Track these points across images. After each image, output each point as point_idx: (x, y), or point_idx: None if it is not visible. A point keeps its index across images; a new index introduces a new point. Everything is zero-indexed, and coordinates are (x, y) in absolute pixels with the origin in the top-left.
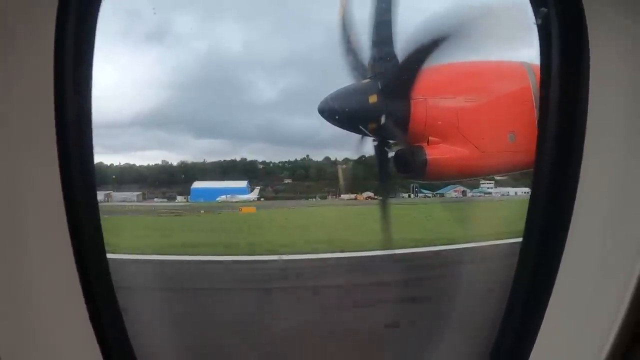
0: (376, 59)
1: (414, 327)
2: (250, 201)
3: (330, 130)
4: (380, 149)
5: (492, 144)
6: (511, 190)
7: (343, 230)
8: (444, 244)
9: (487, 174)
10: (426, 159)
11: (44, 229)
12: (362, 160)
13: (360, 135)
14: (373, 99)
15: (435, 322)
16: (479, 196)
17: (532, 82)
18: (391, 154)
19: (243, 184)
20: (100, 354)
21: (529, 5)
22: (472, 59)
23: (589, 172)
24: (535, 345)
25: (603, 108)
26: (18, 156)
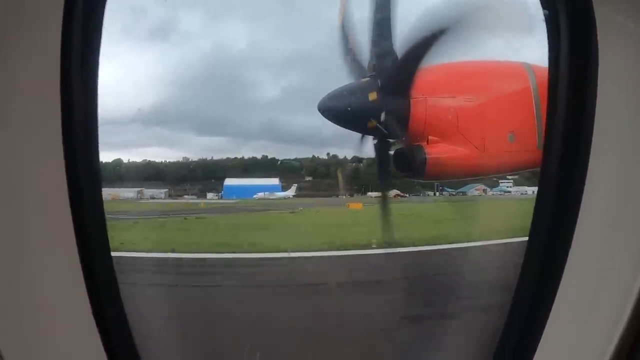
0: (376, 58)
1: None
2: (289, 198)
3: (338, 128)
4: (381, 148)
5: (492, 144)
6: (529, 189)
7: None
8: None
9: (487, 174)
10: (425, 158)
11: (49, 227)
12: None
13: (361, 135)
14: (373, 96)
15: None
16: (500, 194)
17: (532, 83)
18: (391, 153)
19: (275, 181)
20: (104, 352)
21: (539, 5)
22: (471, 51)
23: (596, 172)
24: (539, 345)
25: (611, 107)
26: (24, 154)
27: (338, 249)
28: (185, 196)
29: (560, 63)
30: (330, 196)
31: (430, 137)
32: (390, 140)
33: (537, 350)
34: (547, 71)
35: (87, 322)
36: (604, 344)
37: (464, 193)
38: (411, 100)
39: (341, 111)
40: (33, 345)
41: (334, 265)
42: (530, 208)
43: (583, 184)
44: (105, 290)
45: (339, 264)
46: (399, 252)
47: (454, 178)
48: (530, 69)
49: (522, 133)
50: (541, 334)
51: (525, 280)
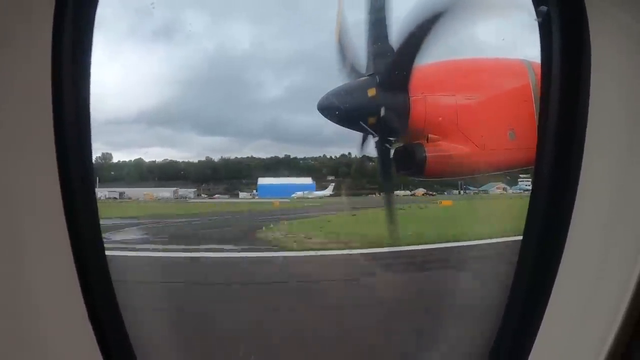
0: (373, 57)
1: None
2: (327, 197)
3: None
4: (382, 146)
5: (492, 142)
6: None
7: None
8: None
9: (487, 172)
10: (425, 156)
11: (42, 227)
12: None
13: (363, 135)
14: (372, 92)
15: None
16: (520, 192)
17: (532, 80)
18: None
19: (308, 180)
20: (100, 352)
21: (530, 2)
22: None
23: (590, 170)
24: (534, 345)
25: (604, 106)
26: (16, 155)
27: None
28: (217, 195)
29: (553, 61)
30: (367, 195)
31: (430, 135)
32: (391, 139)
33: (532, 350)
34: None
35: (82, 323)
36: (599, 343)
37: (486, 191)
38: (410, 98)
39: (340, 109)
40: (28, 346)
41: None
42: None
43: (577, 183)
44: (100, 290)
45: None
46: None
47: (454, 176)
48: (530, 65)
49: (523, 130)
50: (536, 333)
51: (520, 279)
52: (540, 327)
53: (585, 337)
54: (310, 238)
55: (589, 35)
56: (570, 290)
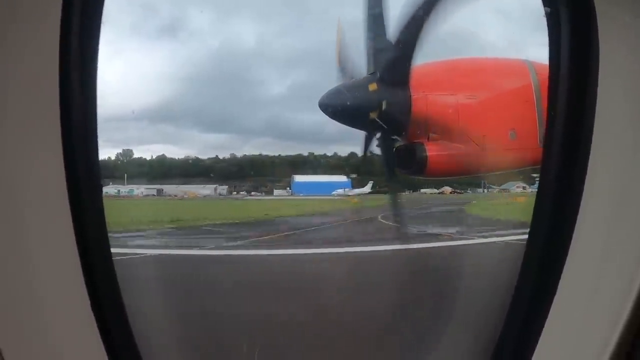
0: (373, 55)
1: None
2: (365, 194)
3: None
4: (385, 145)
5: (493, 141)
6: None
7: None
8: None
9: (488, 172)
10: (426, 156)
11: (49, 225)
12: None
13: (365, 135)
14: (373, 87)
15: None
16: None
17: (534, 80)
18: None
19: (343, 178)
20: (105, 352)
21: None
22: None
23: (596, 170)
24: (538, 345)
25: (612, 103)
26: (22, 153)
27: None
28: (253, 192)
29: (561, 58)
30: (404, 192)
31: (430, 135)
32: (393, 137)
33: (536, 349)
34: (548, 68)
35: (88, 322)
36: (603, 342)
37: (507, 190)
38: (412, 97)
39: (341, 106)
40: (33, 345)
41: None
42: None
43: (583, 182)
44: (106, 289)
45: None
46: None
47: (454, 175)
48: (532, 65)
49: (524, 130)
50: (540, 333)
51: (524, 279)
52: (545, 326)
53: (589, 335)
54: None
55: (597, 34)
56: (574, 288)
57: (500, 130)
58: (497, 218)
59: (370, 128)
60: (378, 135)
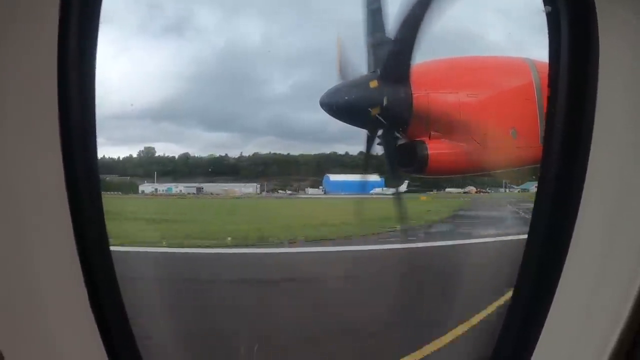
0: (373, 54)
1: None
2: (402, 193)
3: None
4: (387, 143)
5: (494, 140)
6: None
7: None
8: None
9: (489, 170)
10: (427, 154)
11: (48, 225)
12: None
13: (367, 134)
14: (373, 83)
15: None
16: None
17: (535, 78)
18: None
19: (376, 177)
20: (105, 351)
21: None
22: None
23: (596, 168)
24: (537, 345)
25: (611, 103)
26: (21, 153)
27: None
28: (280, 191)
29: (561, 56)
30: (416, 192)
31: (432, 133)
32: (395, 135)
33: (536, 347)
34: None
35: (88, 321)
36: (603, 340)
37: (527, 190)
38: (413, 95)
39: (342, 104)
40: (33, 346)
41: None
42: None
43: (583, 180)
44: (105, 289)
45: None
46: None
47: (455, 174)
48: (533, 64)
49: (525, 129)
50: (540, 331)
51: (524, 277)
52: (545, 324)
53: (589, 334)
54: None
55: (597, 33)
56: (574, 287)
57: (501, 129)
58: None
59: (371, 126)
60: (380, 133)
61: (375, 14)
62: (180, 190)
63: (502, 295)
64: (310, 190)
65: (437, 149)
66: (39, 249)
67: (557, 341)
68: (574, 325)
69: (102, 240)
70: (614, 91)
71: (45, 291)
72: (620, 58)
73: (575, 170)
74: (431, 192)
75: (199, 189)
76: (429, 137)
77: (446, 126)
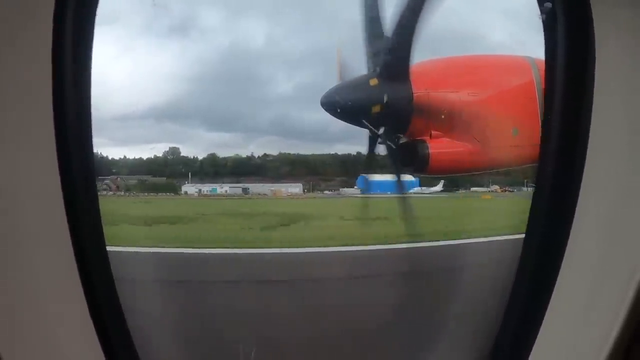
0: (372, 54)
1: None
2: (439, 192)
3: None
4: (389, 139)
5: (495, 139)
6: None
7: None
8: None
9: (490, 169)
10: (428, 153)
11: (44, 226)
12: None
13: (369, 134)
14: (374, 82)
15: None
16: None
17: (536, 77)
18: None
19: (409, 176)
20: (102, 350)
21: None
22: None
23: (593, 169)
24: (535, 344)
25: (608, 104)
26: (17, 154)
27: None
28: (326, 191)
29: (557, 58)
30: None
31: (433, 132)
32: (396, 134)
33: (533, 348)
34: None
35: (85, 322)
36: (601, 340)
37: None
38: (414, 94)
39: (343, 103)
40: (31, 346)
41: None
42: None
43: (580, 181)
44: (102, 290)
45: None
46: None
47: (457, 173)
48: (534, 62)
49: (526, 127)
50: (538, 331)
51: (521, 277)
52: (542, 324)
53: (587, 333)
54: None
55: (593, 34)
56: (572, 287)
57: (502, 127)
58: None
59: (373, 124)
60: (381, 132)
61: (373, 14)
62: (226, 191)
63: None
64: (348, 190)
65: (438, 147)
66: (36, 251)
67: (555, 340)
68: (571, 324)
69: (99, 239)
70: (611, 92)
71: (43, 293)
72: (617, 60)
73: (573, 170)
74: (459, 191)
75: (245, 189)
76: (430, 136)
77: (447, 125)
